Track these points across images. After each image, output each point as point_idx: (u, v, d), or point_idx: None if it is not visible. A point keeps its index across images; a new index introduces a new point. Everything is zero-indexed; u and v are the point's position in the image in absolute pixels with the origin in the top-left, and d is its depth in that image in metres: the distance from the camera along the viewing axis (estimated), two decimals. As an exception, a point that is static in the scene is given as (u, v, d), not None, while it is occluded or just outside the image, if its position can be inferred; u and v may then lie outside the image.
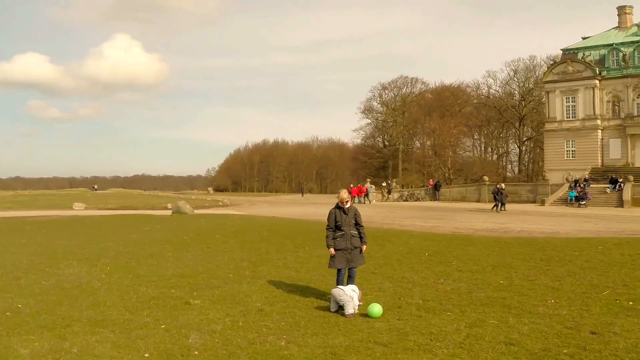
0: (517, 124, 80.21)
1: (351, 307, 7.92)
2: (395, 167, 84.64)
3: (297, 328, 7.24)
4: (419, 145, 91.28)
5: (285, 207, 42.27)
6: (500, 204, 34.11)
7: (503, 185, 36.09)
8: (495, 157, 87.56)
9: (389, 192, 55.48)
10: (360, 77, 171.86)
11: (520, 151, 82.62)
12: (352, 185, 54.73)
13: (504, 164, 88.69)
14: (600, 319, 7.40)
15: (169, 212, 30.18)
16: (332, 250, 8.78)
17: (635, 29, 56.51)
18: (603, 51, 56.97)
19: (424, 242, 16.55)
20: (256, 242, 16.27)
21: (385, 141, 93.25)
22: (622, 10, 58.65)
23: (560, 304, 8.42)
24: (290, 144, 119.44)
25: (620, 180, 42.25)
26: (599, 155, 56.07)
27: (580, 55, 58.08)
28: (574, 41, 62.13)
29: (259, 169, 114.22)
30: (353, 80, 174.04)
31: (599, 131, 56.04)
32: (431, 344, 6.52)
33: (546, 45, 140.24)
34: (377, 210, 36.83)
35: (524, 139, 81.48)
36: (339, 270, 8.96)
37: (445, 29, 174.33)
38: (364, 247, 8.99)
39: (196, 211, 29.95)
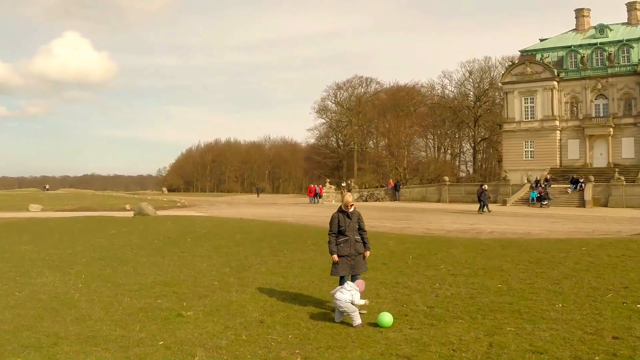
0: (471, 125, 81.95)
1: (358, 318, 7.69)
2: (350, 167, 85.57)
3: (308, 341, 6.94)
4: (373, 145, 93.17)
5: (246, 208, 41.79)
6: (484, 205, 34.30)
7: (486, 186, 36.54)
8: (449, 157, 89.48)
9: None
10: (314, 77, 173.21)
11: (475, 151, 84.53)
12: (312, 185, 54.90)
13: (458, 164, 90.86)
14: (617, 323, 7.43)
15: (129, 214, 29.39)
16: (335, 257, 8.49)
17: (593, 31, 58.78)
18: (561, 53, 58.99)
19: (404, 245, 16.49)
20: (232, 246, 15.84)
21: (340, 141, 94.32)
22: (579, 13, 60.92)
23: (569, 308, 8.42)
24: (242, 144, 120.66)
25: (582, 180, 43.71)
26: (558, 155, 58.01)
27: (538, 56, 59.95)
28: (528, 43, 64.24)
29: (211, 168, 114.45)
30: (307, 80, 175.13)
31: (558, 132, 57.98)
32: (456, 354, 6.37)
33: (502, 46, 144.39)
34: (333, 212, 36.66)
35: (479, 139, 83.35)
36: (341, 277, 8.69)
37: (401, 29, 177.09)
38: (367, 253, 8.77)
39: (157, 212, 29.12)
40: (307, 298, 9.36)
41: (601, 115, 55.43)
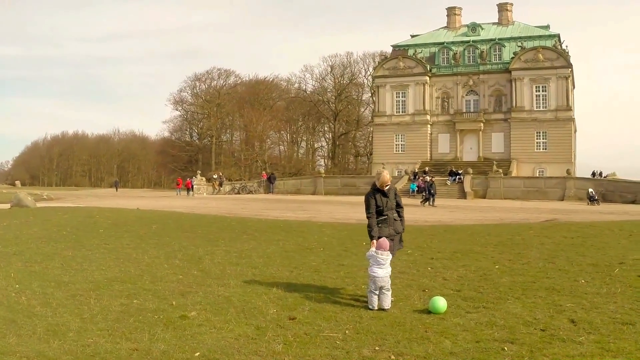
0: (331, 119, 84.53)
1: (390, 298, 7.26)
2: (207, 161, 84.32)
3: (373, 335, 6.04)
4: (232, 138, 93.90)
5: (122, 200, 38.91)
6: (431, 198, 34.43)
7: (428, 178, 36.90)
8: (310, 151, 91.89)
9: (220, 185, 54.97)
10: (168, 71, 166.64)
11: (335, 146, 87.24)
12: (181, 178, 53.26)
13: (318, 158, 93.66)
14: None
15: (6, 206, 26.29)
16: (375, 242, 7.63)
17: (465, 29, 63.26)
18: (434, 49, 62.66)
19: (342, 233, 16.18)
20: (155, 236, 14.25)
21: (197, 134, 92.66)
22: (451, 11, 65.25)
23: (594, 283, 8.58)
24: (91, 137, 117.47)
25: (460, 172, 46.62)
26: (428, 149, 61.58)
27: (411, 52, 63.05)
28: (397, 40, 67.20)
29: (58, 162, 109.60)
30: (160, 74, 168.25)
31: (429, 126, 61.51)
32: (546, 333, 6.01)
33: (370, 43, 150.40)
34: (222, 202, 35.66)
35: (339, 134, 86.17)
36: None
37: (262, 23, 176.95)
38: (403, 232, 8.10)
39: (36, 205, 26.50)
40: (310, 288, 8.39)
41: (472, 110, 59.83)
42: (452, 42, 62.28)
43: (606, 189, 39.05)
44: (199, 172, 56.18)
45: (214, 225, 17.14)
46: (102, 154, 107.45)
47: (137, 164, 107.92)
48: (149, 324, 6.40)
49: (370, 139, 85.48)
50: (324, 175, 54.91)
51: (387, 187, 7.88)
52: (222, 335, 6.01)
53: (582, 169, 58.21)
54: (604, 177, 47.09)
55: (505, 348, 5.55)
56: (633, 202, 35.64)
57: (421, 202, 35.23)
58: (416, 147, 61.68)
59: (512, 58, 57.32)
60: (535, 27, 61.37)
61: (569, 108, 55.49)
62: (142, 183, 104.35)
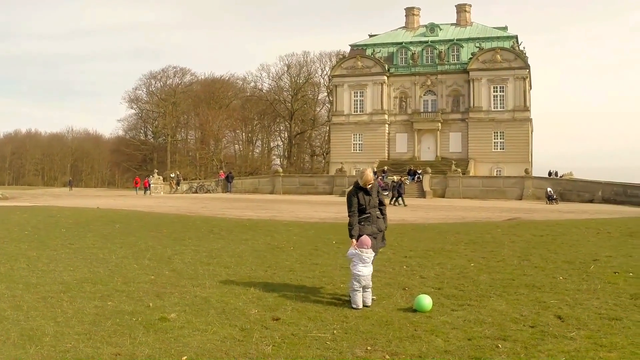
0: (288, 119, 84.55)
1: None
2: (163, 160, 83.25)
3: (362, 334, 5.94)
4: (188, 137, 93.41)
5: (76, 199, 38.02)
6: (399, 197, 34.29)
7: (396, 178, 36.76)
8: (266, 150, 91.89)
9: (178, 184, 54.17)
10: (122, 68, 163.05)
11: (291, 145, 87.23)
12: (138, 177, 52.09)
13: (274, 157, 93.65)
14: (641, 288, 7.75)
15: None
16: (354, 241, 7.52)
17: (423, 29, 63.98)
18: (392, 49, 63.16)
19: (309, 232, 16.03)
20: (119, 236, 13.86)
21: (152, 133, 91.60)
22: (410, 12, 65.90)
23: (572, 280, 8.73)
24: (44, 135, 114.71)
25: (419, 172, 47.13)
26: (386, 148, 62.04)
27: (369, 51, 63.39)
28: (355, 39, 67.31)
29: (11, 161, 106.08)
30: (114, 71, 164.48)
31: (387, 126, 61.94)
32: (537, 329, 6.06)
33: (327, 42, 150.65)
34: (182, 201, 35.13)
35: (295, 133, 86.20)
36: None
37: (219, 21, 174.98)
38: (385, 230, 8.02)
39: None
40: (289, 287, 8.23)
41: (430, 110, 60.58)
42: (411, 42, 62.93)
43: (564, 189, 40.17)
44: (156, 170, 55.10)
45: (179, 224, 16.76)
46: (55, 152, 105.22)
47: (91, 163, 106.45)
48: (127, 327, 6.10)
49: (326, 139, 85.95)
50: (282, 174, 54.63)
51: (370, 186, 7.79)
52: (207, 337, 5.78)
53: (538, 169, 59.78)
54: (560, 176, 48.42)
55: (499, 345, 5.53)
56: (590, 201, 36.76)
57: (390, 201, 35.26)
58: (374, 147, 62.04)
59: (470, 59, 58.34)
60: (494, 28, 62.66)
61: (526, 108, 56.87)
62: (96, 182, 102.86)
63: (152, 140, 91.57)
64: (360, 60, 62.81)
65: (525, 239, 13.29)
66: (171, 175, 56.04)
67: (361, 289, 7.08)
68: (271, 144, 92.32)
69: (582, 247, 12.10)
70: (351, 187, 7.95)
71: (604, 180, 40.10)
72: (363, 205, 7.69)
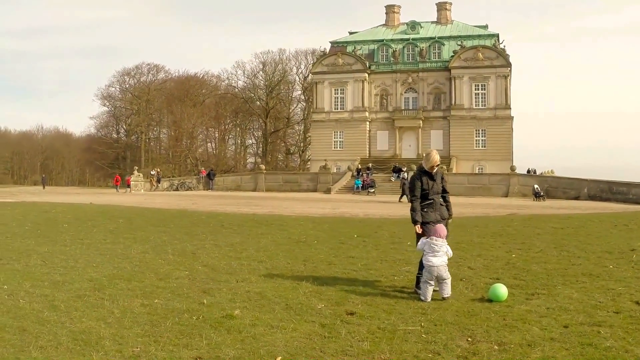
0: (263, 116, 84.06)
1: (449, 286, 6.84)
2: (137, 158, 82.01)
3: (453, 327, 5.56)
4: (161, 135, 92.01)
5: (57, 196, 36.95)
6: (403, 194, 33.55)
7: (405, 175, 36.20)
8: (241, 148, 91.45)
9: (158, 181, 53.08)
10: (95, 66, 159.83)
11: (267, 143, 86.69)
12: (118, 175, 51.01)
13: (249, 155, 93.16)
14: None
15: None
16: (418, 227, 7.14)
17: (404, 27, 63.93)
18: (373, 46, 63.00)
19: (324, 226, 15.63)
20: (128, 231, 13.31)
21: (125, 130, 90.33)
22: (390, 9, 65.77)
23: (624, 268, 8.58)
24: (13, 133, 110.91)
25: (404, 169, 47.02)
26: (367, 146, 61.82)
27: (350, 48, 63.09)
28: (335, 37, 67.01)
29: None
30: (85, 69, 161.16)
31: (367, 123, 61.71)
32: (622, 313, 5.92)
33: (305, 40, 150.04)
34: (168, 198, 34.29)
35: (270, 131, 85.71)
36: (427, 249, 7.34)
37: (195, 18, 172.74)
38: (450, 219, 7.62)
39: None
40: (341, 281, 7.80)
41: (411, 108, 60.57)
42: (392, 40, 62.84)
43: (550, 186, 40.42)
44: (136, 168, 53.97)
45: (184, 219, 16.19)
46: (25, 151, 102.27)
47: (61, 161, 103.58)
48: (192, 326, 5.56)
49: (301, 137, 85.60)
50: (264, 171, 53.91)
51: (435, 171, 7.42)
52: (289, 335, 5.29)
53: (518, 167, 60.15)
54: (540, 174, 48.85)
55: (600, 331, 5.33)
56: (576, 198, 37.07)
57: (400, 198, 34.90)
58: (355, 144, 61.77)
59: (452, 56, 58.49)
60: (475, 26, 63.00)
61: (507, 106, 57.26)
62: (67, 181, 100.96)
63: (124, 138, 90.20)
64: (341, 57, 62.42)
65: (549, 232, 13.10)
66: (151, 172, 54.83)
67: (433, 280, 6.71)
68: (247, 141, 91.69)
69: (610, 238, 11.96)
70: (415, 171, 7.58)
71: (589, 177, 40.53)
72: (426, 190, 7.30)
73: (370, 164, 52.57)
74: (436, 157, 7.34)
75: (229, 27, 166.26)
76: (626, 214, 18.89)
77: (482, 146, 56.92)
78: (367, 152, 61.54)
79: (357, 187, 45.92)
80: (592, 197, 36.63)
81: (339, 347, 4.91)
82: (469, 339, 5.13)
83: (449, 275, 6.77)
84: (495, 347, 4.92)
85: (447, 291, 6.66)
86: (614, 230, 13.28)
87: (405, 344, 4.99)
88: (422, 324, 5.61)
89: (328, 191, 46.16)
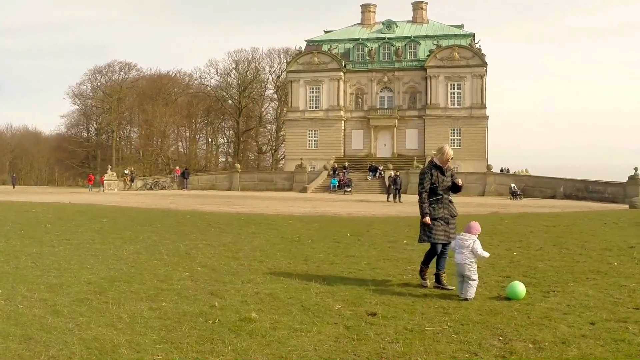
0: (235, 115, 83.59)
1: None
2: (108, 157, 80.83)
3: (481, 326, 5.42)
4: (131, 133, 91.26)
5: (29, 195, 36.04)
6: (397, 193, 33.52)
7: (393, 173, 36.10)
8: (213, 147, 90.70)
9: (132, 180, 52.24)
10: (66, 64, 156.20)
11: (239, 142, 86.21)
12: (91, 174, 50.12)
13: (221, 155, 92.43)
14: None
15: None
16: (427, 219, 7.02)
17: (380, 26, 64.10)
18: (348, 45, 63.05)
19: (313, 225, 15.40)
20: (113, 231, 12.86)
21: (96, 129, 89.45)
22: (366, 9, 65.91)
23: (628, 265, 8.58)
24: None
25: (381, 168, 47.11)
26: (342, 145, 61.87)
27: (326, 47, 62.99)
28: (310, 36, 66.80)
29: None
30: (57, 67, 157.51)
31: (342, 122, 61.74)
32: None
33: (278, 38, 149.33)
34: (145, 198, 33.70)
35: (243, 130, 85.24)
36: (433, 245, 7.20)
37: (168, 16, 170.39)
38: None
39: None
40: (351, 281, 7.61)
41: (386, 107, 60.76)
42: (367, 39, 62.94)
43: (526, 185, 40.96)
44: (110, 167, 53.00)
45: (170, 219, 15.80)
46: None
47: (30, 160, 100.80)
48: (210, 330, 5.28)
49: (273, 136, 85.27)
50: (239, 170, 53.44)
51: (447, 166, 7.33)
52: (315, 338, 5.06)
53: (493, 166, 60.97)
54: (512, 173, 49.49)
55: (629, 327, 5.31)
56: (552, 197, 37.64)
57: (387, 198, 34.83)
58: (330, 143, 61.68)
59: (428, 56, 58.85)
60: (450, 26, 63.52)
61: (483, 106, 57.90)
62: (36, 180, 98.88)
63: (95, 137, 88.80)
64: (316, 56, 62.29)
65: (542, 230, 13.15)
66: (125, 171, 53.94)
67: (460, 277, 6.60)
68: (219, 140, 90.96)
69: (605, 235, 12.03)
70: (426, 165, 7.47)
71: (565, 176, 41.14)
72: (436, 184, 7.20)
73: (346, 163, 52.57)
74: (450, 152, 7.26)
75: (202, 26, 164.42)
76: (612, 212, 19.18)
77: (457, 145, 57.39)
78: (342, 151, 61.58)
79: (334, 186, 45.87)
80: (568, 196, 37.22)
81: (372, 350, 4.72)
82: (500, 338, 5.02)
83: (476, 278, 6.55)
84: (530, 345, 4.81)
85: (468, 293, 6.46)
86: (605, 228, 13.39)
87: (439, 345, 4.84)
88: (449, 324, 5.46)
89: (304, 190, 45.99)
